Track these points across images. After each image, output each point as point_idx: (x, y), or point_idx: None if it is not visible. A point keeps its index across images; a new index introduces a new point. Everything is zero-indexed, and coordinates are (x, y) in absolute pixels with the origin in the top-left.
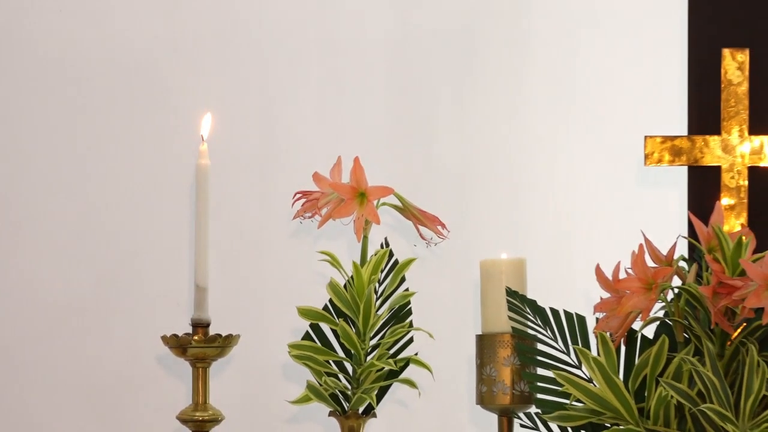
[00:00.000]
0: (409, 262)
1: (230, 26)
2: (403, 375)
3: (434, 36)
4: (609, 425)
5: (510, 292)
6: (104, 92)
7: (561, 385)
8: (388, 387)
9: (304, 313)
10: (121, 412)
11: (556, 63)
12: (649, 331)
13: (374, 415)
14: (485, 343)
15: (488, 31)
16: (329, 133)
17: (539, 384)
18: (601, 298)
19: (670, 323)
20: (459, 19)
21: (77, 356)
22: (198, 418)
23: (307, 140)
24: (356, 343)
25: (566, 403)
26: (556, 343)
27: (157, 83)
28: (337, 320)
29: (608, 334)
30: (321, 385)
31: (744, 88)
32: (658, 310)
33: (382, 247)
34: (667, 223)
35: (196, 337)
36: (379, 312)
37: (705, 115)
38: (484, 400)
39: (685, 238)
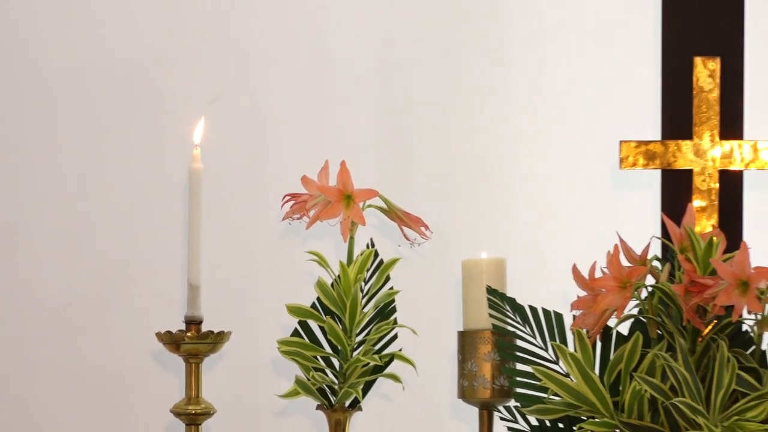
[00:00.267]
0: (393, 261)
1: (222, 35)
2: (388, 370)
3: (416, 44)
4: (585, 418)
5: (490, 291)
6: (101, 98)
7: (539, 380)
8: (373, 381)
9: (293, 310)
10: (118, 406)
11: (534, 70)
12: (624, 328)
13: (360, 409)
14: (466, 340)
15: (468, 37)
16: (317, 138)
17: (518, 379)
18: (578, 297)
19: (644, 320)
20: (439, 26)
21: (76, 352)
22: (191, 411)
23: (296, 145)
24: (343, 340)
25: (544, 397)
26: (535, 339)
27: (152, 89)
28: (324, 317)
29: (584, 330)
30: (309, 379)
31: (715, 94)
32: (632, 307)
33: (367, 247)
34: (641, 224)
35: (189, 334)
36: (365, 310)
37: (677, 120)
38: (465, 394)
39: (658, 238)
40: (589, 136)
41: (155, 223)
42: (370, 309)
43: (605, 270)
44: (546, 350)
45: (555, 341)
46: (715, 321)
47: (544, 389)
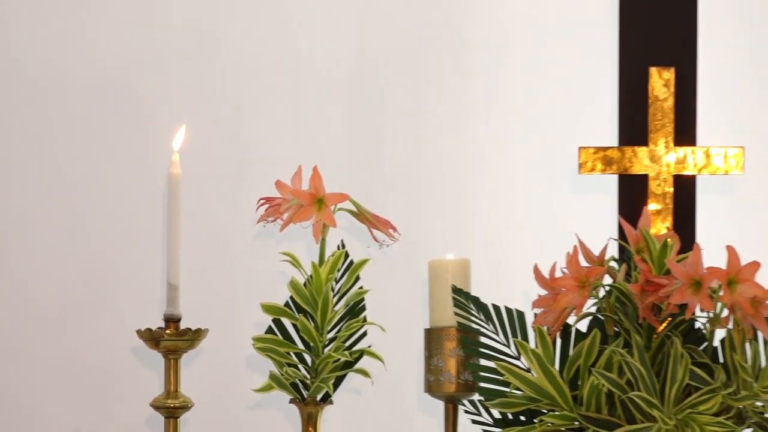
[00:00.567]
0: (363, 262)
1: (201, 44)
2: (358, 365)
3: (385, 52)
4: (545, 411)
5: (456, 290)
6: (84, 104)
7: (502, 375)
8: (343, 376)
9: (267, 309)
10: (100, 399)
11: (497, 78)
12: (583, 326)
13: (331, 402)
14: (433, 337)
15: (434, 44)
16: (290, 144)
17: (482, 374)
18: (539, 296)
19: (602, 318)
20: (407, 33)
21: (60, 348)
22: (170, 405)
23: (271, 151)
24: (315, 337)
25: (507, 392)
26: (498, 336)
27: (134, 96)
28: (297, 315)
29: (545, 328)
30: (282, 374)
31: (669, 103)
32: (590, 306)
33: (338, 248)
34: (599, 226)
35: (168, 331)
36: (336, 308)
37: (634, 128)
38: (431, 388)
39: (615, 240)
40: (550, 142)
41: (138, 225)
42: (340, 307)
43: (565, 270)
44: (508, 347)
45: (517, 338)
46: (670, 319)
47: (507, 384)
